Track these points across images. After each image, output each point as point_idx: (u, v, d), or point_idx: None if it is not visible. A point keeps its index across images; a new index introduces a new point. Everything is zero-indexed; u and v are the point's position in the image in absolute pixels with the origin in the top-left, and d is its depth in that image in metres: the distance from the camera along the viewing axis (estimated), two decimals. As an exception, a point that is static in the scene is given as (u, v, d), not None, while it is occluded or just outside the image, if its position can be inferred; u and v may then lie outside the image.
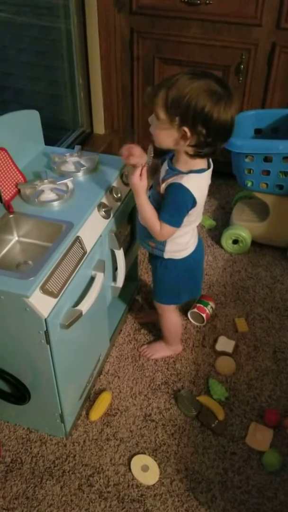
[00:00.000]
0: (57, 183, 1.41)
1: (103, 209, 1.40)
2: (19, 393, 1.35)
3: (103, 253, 1.42)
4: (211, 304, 1.85)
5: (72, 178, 1.43)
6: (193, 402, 1.55)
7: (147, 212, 1.30)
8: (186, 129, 1.15)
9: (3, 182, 1.37)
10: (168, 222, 1.28)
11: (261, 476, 1.38)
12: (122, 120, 2.64)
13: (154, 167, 1.36)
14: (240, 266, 2.09)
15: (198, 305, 1.82)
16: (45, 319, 1.12)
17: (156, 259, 1.46)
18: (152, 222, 1.30)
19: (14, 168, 1.42)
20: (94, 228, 1.36)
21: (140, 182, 1.27)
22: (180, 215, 1.27)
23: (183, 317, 1.83)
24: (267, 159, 1.88)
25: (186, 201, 1.24)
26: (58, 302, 1.16)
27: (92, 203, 1.38)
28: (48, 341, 1.17)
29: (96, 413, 1.52)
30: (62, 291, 1.18)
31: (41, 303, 1.12)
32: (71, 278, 1.22)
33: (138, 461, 1.41)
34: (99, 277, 1.35)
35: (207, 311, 1.82)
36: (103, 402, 1.54)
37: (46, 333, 1.15)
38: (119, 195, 1.48)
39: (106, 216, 1.41)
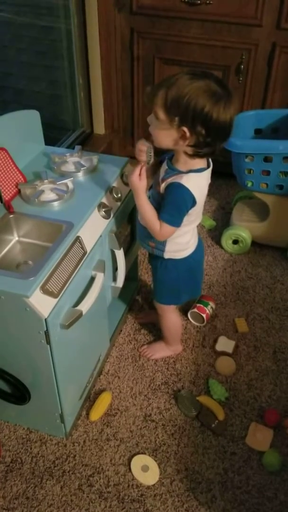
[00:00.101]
0: (57, 183, 1.41)
1: (103, 209, 1.40)
2: (19, 393, 1.35)
3: (103, 253, 1.42)
4: (211, 304, 1.85)
5: (72, 178, 1.43)
6: (193, 402, 1.55)
7: (147, 212, 1.30)
8: (185, 129, 1.15)
9: (3, 182, 1.37)
10: (168, 222, 1.28)
11: (261, 476, 1.38)
12: (122, 120, 2.65)
13: (153, 167, 1.36)
14: (240, 266, 2.09)
15: (198, 305, 1.82)
16: (45, 319, 1.12)
17: (156, 259, 1.46)
18: (152, 222, 1.30)
19: (14, 168, 1.42)
20: (94, 228, 1.36)
21: (140, 182, 1.27)
22: (180, 214, 1.27)
23: (183, 317, 1.83)
24: (267, 159, 1.88)
25: (186, 200, 1.24)
26: (58, 302, 1.16)
27: (92, 203, 1.38)
28: (48, 341, 1.17)
29: (96, 413, 1.52)
30: (62, 291, 1.18)
31: (41, 303, 1.12)
32: (71, 278, 1.22)
33: (138, 461, 1.41)
34: (99, 277, 1.35)
35: (207, 311, 1.82)
36: (103, 402, 1.54)
37: (46, 333, 1.15)
38: (119, 195, 1.48)
39: (106, 216, 1.41)
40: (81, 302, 1.26)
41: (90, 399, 1.57)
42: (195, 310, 1.81)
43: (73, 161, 1.53)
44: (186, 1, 2.14)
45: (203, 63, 2.25)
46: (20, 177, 1.43)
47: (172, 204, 1.26)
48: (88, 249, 1.31)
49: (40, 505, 1.32)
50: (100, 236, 1.38)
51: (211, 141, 1.18)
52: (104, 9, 2.27)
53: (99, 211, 1.39)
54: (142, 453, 1.43)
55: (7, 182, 1.38)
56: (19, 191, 1.41)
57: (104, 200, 1.42)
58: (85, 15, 2.30)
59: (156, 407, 1.55)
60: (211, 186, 1.34)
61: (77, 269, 1.25)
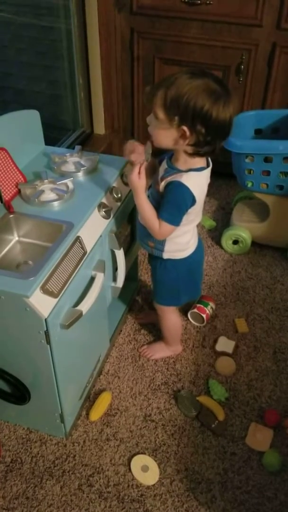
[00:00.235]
0: (57, 183, 1.41)
1: (103, 209, 1.40)
2: (19, 393, 1.35)
3: (103, 253, 1.42)
4: (211, 304, 1.85)
5: (72, 178, 1.43)
6: (193, 402, 1.55)
7: (146, 211, 1.30)
8: (185, 128, 1.15)
9: (3, 182, 1.37)
10: (167, 221, 1.28)
11: (261, 477, 1.38)
12: (122, 120, 2.64)
13: (152, 167, 1.36)
14: (240, 267, 2.09)
15: (198, 305, 1.82)
16: (45, 319, 1.12)
17: (155, 259, 1.46)
18: (151, 221, 1.30)
19: (14, 168, 1.42)
20: (94, 228, 1.36)
21: (139, 181, 1.26)
22: (179, 213, 1.27)
23: (183, 317, 1.83)
24: (267, 159, 1.88)
25: (185, 199, 1.24)
26: (58, 302, 1.16)
27: (92, 203, 1.38)
28: (48, 341, 1.17)
29: (96, 413, 1.52)
30: (62, 291, 1.18)
31: (41, 303, 1.12)
32: (71, 278, 1.22)
33: (138, 461, 1.41)
34: (99, 277, 1.35)
35: (207, 311, 1.81)
36: (103, 402, 1.54)
37: (46, 333, 1.15)
38: (119, 195, 1.48)
39: (106, 216, 1.41)
40: (81, 302, 1.26)
41: (90, 399, 1.57)
42: (195, 310, 1.81)
43: (73, 161, 1.53)
44: (186, 1, 2.14)
45: (203, 63, 2.25)
46: (20, 177, 1.43)
47: (172, 202, 1.26)
48: (88, 249, 1.31)
49: (40, 505, 1.32)
50: (100, 236, 1.38)
51: (211, 140, 1.18)
52: (104, 9, 2.27)
53: (99, 211, 1.39)
54: (142, 453, 1.43)
55: (7, 182, 1.38)
56: (19, 191, 1.41)
57: (104, 200, 1.42)
58: (85, 15, 2.30)
59: (156, 407, 1.55)
60: (211, 186, 1.34)
61: (77, 269, 1.25)
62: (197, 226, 1.43)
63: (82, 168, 1.48)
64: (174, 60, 2.33)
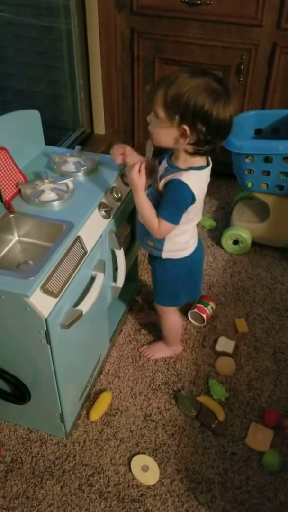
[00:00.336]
0: (58, 183, 1.41)
1: (104, 209, 1.40)
2: (19, 393, 1.35)
3: (103, 253, 1.42)
4: (211, 304, 1.85)
5: (72, 178, 1.43)
6: (193, 402, 1.55)
7: (146, 209, 1.30)
8: (185, 127, 1.15)
9: (3, 182, 1.37)
10: (167, 219, 1.28)
11: (261, 477, 1.38)
12: (123, 120, 2.65)
13: (151, 166, 1.36)
14: (240, 267, 2.09)
15: (198, 305, 1.82)
16: (46, 319, 1.12)
17: (155, 259, 1.46)
18: (150, 220, 1.30)
19: (14, 168, 1.42)
20: (94, 228, 1.36)
21: (139, 179, 1.26)
22: (178, 211, 1.27)
23: (183, 317, 1.83)
24: (267, 159, 1.88)
25: (185, 197, 1.24)
26: (58, 302, 1.16)
27: (92, 203, 1.38)
28: (48, 341, 1.17)
29: (96, 413, 1.52)
30: (63, 291, 1.18)
31: (42, 303, 1.12)
32: (71, 278, 1.22)
33: (138, 461, 1.41)
34: (100, 277, 1.35)
35: (207, 311, 1.81)
36: (103, 402, 1.54)
37: (47, 333, 1.15)
38: (119, 195, 1.48)
39: (107, 216, 1.41)
40: (81, 302, 1.26)
41: (90, 399, 1.57)
42: (195, 310, 1.81)
43: (73, 161, 1.52)
44: (186, 1, 2.14)
45: (203, 63, 2.25)
46: (20, 177, 1.43)
47: (171, 201, 1.26)
48: (88, 249, 1.31)
49: (40, 505, 1.32)
50: (100, 236, 1.38)
51: (212, 139, 1.18)
52: (104, 9, 2.27)
53: (99, 211, 1.39)
54: (142, 453, 1.43)
55: (7, 182, 1.38)
56: (19, 191, 1.41)
57: (104, 200, 1.42)
58: (85, 15, 2.30)
59: (156, 407, 1.55)
60: (211, 186, 1.34)
61: (77, 269, 1.25)
62: (197, 226, 1.43)
63: (82, 168, 1.48)
64: (174, 60, 2.33)
